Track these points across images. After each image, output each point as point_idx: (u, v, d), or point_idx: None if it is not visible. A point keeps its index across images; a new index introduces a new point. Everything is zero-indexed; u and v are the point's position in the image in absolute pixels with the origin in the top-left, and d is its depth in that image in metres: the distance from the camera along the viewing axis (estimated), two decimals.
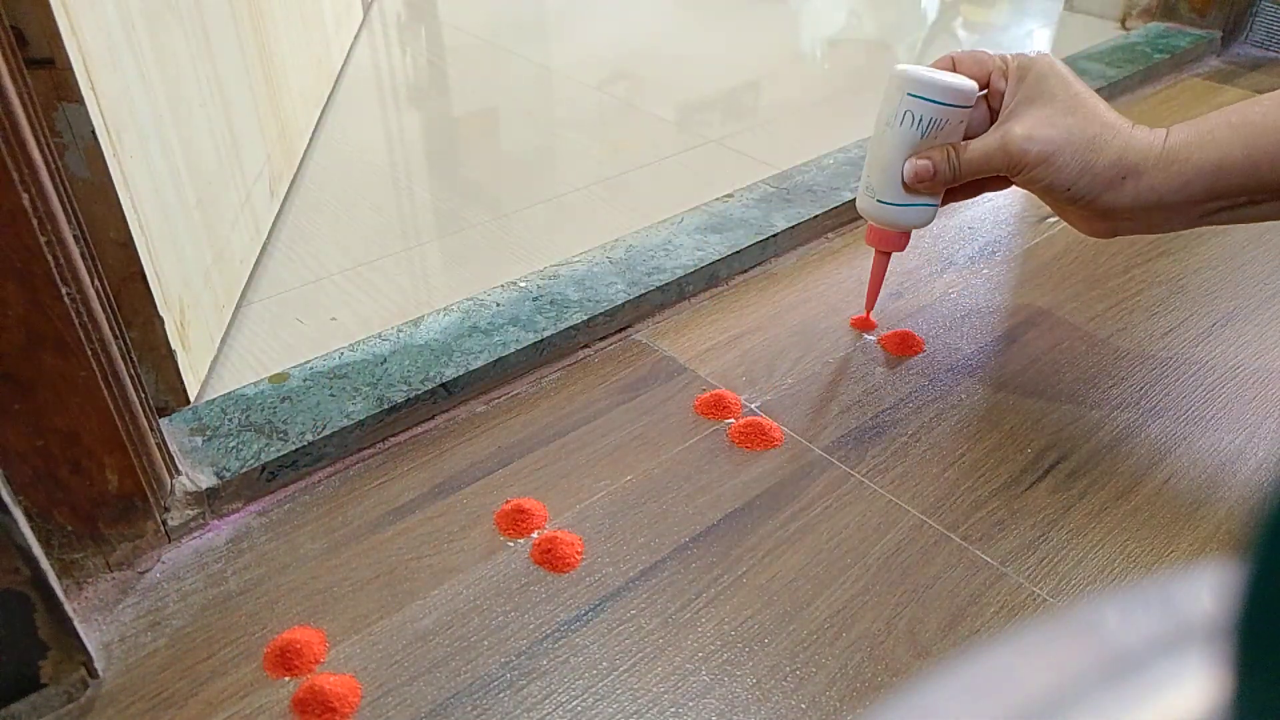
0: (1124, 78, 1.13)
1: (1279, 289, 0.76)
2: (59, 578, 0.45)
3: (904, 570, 0.52)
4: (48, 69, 0.50)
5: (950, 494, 0.57)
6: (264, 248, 0.83)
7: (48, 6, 0.49)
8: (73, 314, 0.45)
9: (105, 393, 0.48)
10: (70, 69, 0.50)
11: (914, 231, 0.66)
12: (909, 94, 0.59)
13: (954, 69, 0.61)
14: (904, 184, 0.62)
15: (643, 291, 0.72)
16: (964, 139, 0.61)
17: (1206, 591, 0.15)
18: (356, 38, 1.34)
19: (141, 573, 0.53)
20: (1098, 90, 1.09)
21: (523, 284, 0.73)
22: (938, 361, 0.68)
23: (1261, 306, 0.74)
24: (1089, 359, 0.68)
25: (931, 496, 0.57)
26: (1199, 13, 1.27)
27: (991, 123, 0.61)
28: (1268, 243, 0.82)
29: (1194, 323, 0.72)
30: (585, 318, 0.69)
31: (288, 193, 0.93)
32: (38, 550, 0.42)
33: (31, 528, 0.46)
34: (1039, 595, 0.51)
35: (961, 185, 0.63)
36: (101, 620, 0.50)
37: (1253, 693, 0.11)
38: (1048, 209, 0.87)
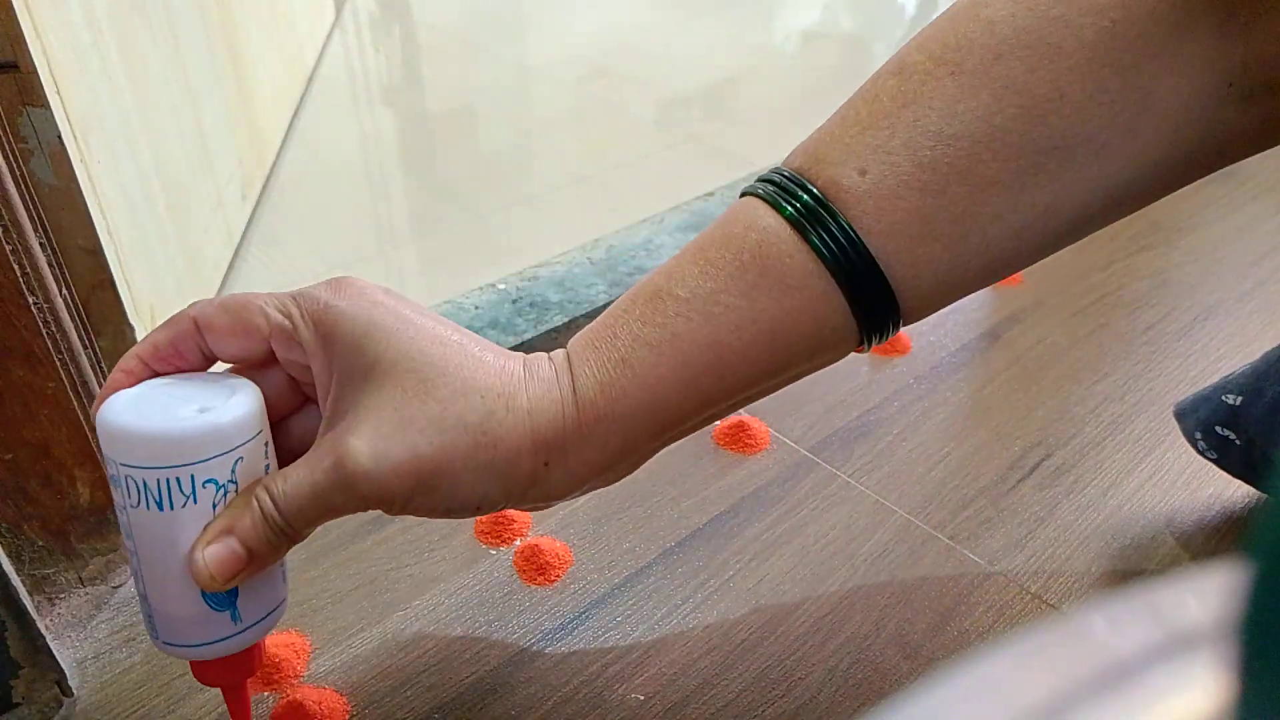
0: None
1: (1259, 282, 0.76)
2: (30, 594, 0.44)
3: (892, 571, 0.52)
4: (11, 73, 0.49)
5: (937, 493, 0.57)
6: (236, 252, 0.82)
7: (10, 8, 0.47)
8: (40, 324, 0.44)
9: (75, 404, 0.47)
10: (35, 72, 0.49)
11: None
12: (123, 463, 0.33)
13: (201, 338, 0.35)
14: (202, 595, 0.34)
15: (624, 292, 0.71)
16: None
17: (1203, 596, 0.15)
18: (329, 37, 1.33)
19: (115, 587, 0.52)
20: None
21: (502, 286, 0.72)
22: (922, 360, 0.68)
23: (1243, 300, 0.74)
24: (1073, 354, 0.68)
25: (918, 496, 0.57)
26: None
27: (306, 399, 0.37)
28: (1247, 238, 0.82)
29: (1176, 316, 0.72)
30: (566, 320, 0.68)
31: (260, 195, 0.92)
32: (8, 566, 0.41)
33: (1, 543, 0.44)
34: (1027, 592, 0.51)
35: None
36: (75, 636, 0.49)
37: (1252, 695, 0.11)
38: None
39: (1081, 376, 0.66)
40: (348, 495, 0.33)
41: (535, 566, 0.52)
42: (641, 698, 0.46)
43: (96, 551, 0.51)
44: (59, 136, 0.52)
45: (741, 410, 0.63)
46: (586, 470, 0.35)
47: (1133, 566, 0.52)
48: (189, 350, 0.35)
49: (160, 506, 0.33)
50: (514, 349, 0.65)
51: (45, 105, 0.50)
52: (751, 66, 1.37)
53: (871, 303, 0.34)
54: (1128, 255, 0.80)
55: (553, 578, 0.51)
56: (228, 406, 0.33)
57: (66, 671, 0.45)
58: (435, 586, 0.51)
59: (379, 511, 0.35)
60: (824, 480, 0.58)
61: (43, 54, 0.50)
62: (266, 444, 0.35)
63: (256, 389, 0.35)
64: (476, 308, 0.69)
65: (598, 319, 0.36)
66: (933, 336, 0.70)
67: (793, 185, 0.34)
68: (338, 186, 0.96)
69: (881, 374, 0.67)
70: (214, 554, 0.33)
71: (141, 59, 0.63)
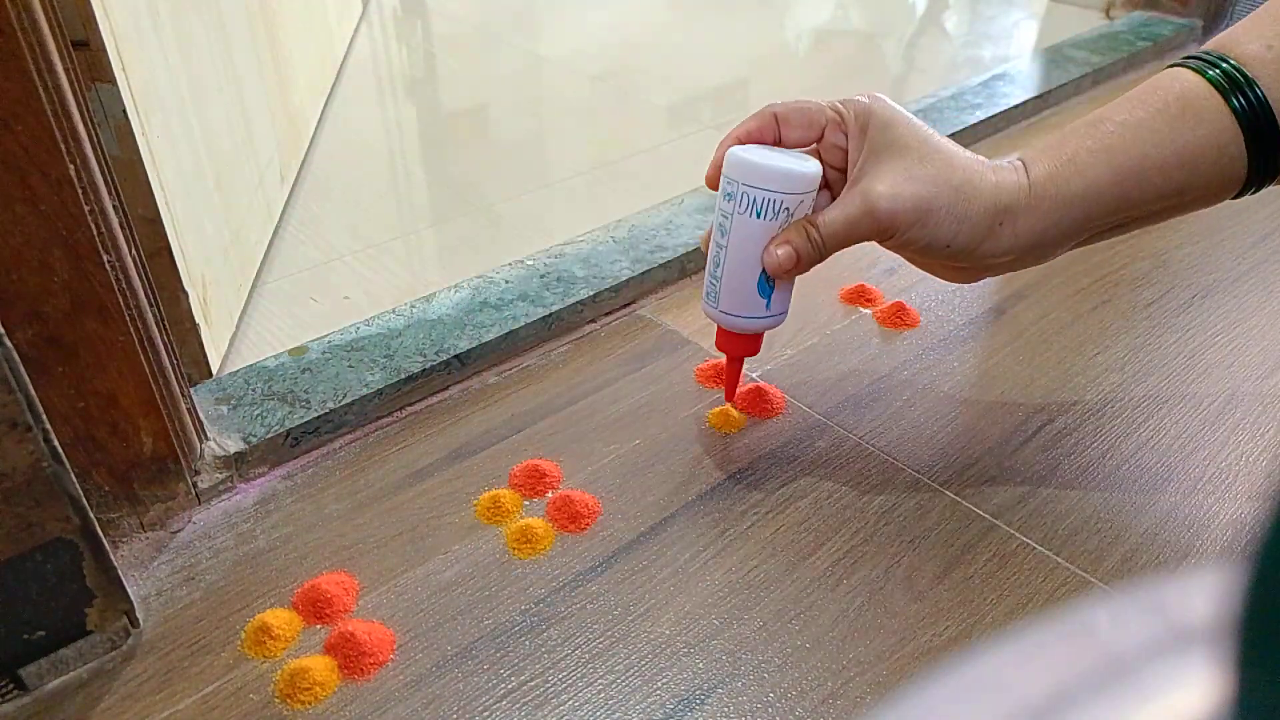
0: (1107, 65, 1.16)
1: (1256, 263, 0.79)
2: None
3: (901, 523, 0.55)
4: (82, 50, 0.52)
5: (944, 454, 0.60)
6: (276, 230, 0.85)
7: None
8: (113, 281, 0.47)
9: (142, 358, 0.50)
10: (104, 50, 0.53)
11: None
12: (745, 183, 0.51)
13: (778, 128, 0.53)
14: (763, 278, 0.53)
15: (646, 268, 0.75)
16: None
17: (1208, 592, 0.15)
18: (356, 30, 1.37)
19: (174, 532, 0.55)
20: (1083, 77, 1.12)
21: (530, 262, 0.76)
22: (931, 333, 0.71)
23: (1240, 279, 0.77)
24: (1075, 329, 0.71)
25: (926, 456, 0.60)
26: (1181, 2, 1.30)
27: (831, 181, 0.54)
28: (1246, 219, 0.85)
29: (1175, 294, 0.75)
30: (591, 293, 0.72)
31: (296, 178, 0.95)
32: (85, 501, 0.45)
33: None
34: (1029, 543, 0.54)
35: None
36: (138, 576, 0.53)
37: (1252, 693, 0.11)
38: None
39: (1083, 349, 0.69)
40: (868, 221, 0.50)
41: (567, 515, 0.55)
42: (668, 632, 0.49)
43: (157, 499, 0.55)
44: (124, 111, 0.55)
45: (758, 378, 0.66)
46: (1027, 237, 0.50)
47: (1130, 521, 0.55)
48: (768, 135, 0.53)
49: (756, 215, 0.52)
50: (542, 320, 0.69)
51: (113, 81, 0.54)
52: (764, 62, 1.40)
53: (1264, 142, 0.47)
54: (1130, 237, 0.82)
55: (584, 526, 0.55)
56: (809, 164, 0.51)
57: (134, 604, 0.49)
58: (473, 534, 0.55)
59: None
60: (837, 441, 0.61)
61: (110, 34, 0.53)
62: (814, 199, 0.52)
63: (819, 162, 0.52)
64: (507, 281, 0.73)
65: (1047, 140, 0.51)
66: (940, 312, 0.73)
67: (1211, 57, 0.47)
68: (368, 172, 0.99)
69: (891, 346, 0.70)
70: (781, 250, 0.52)
71: (194, 44, 0.66)
